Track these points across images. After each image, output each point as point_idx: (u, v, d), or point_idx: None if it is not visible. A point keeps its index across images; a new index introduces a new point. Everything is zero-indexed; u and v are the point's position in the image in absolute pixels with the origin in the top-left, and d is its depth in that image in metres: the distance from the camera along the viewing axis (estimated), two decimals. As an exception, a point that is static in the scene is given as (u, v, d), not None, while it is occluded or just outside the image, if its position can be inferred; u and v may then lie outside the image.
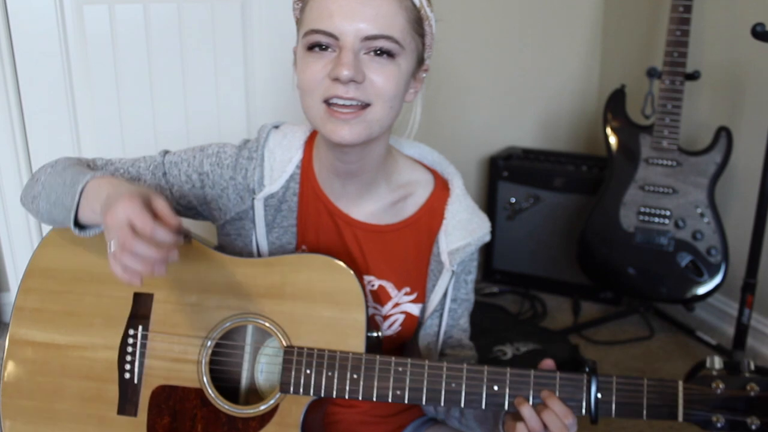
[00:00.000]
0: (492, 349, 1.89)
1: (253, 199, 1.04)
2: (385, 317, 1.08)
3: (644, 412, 0.87)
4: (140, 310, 1.00)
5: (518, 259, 2.50)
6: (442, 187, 1.09)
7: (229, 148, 1.06)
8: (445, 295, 1.08)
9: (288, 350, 0.95)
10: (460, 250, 1.06)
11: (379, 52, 0.90)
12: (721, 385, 0.85)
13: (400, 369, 0.91)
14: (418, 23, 0.95)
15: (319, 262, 0.98)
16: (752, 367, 0.87)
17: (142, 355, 1.00)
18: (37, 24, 1.80)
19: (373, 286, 1.07)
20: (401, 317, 1.08)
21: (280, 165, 1.05)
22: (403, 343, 1.14)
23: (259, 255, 1.06)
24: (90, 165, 1.08)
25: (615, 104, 2.17)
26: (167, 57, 1.93)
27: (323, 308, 0.96)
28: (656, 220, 2.07)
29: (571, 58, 2.71)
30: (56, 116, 1.88)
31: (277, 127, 1.09)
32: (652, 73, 2.09)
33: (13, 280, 2.08)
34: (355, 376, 0.92)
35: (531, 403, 0.88)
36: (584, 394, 0.88)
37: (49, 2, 1.80)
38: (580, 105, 2.76)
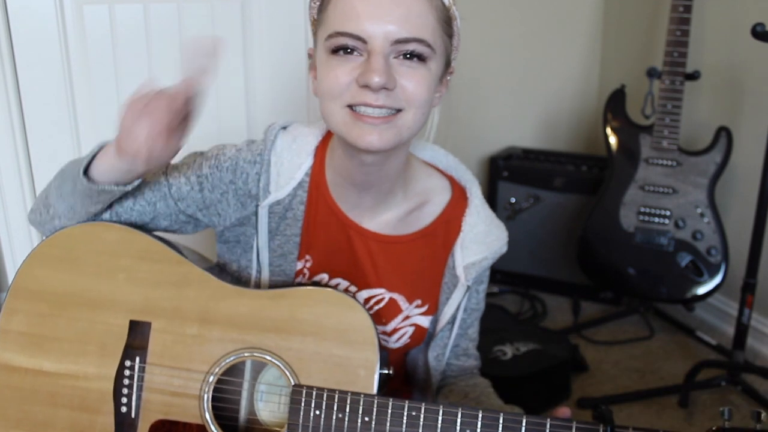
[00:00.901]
0: (492, 349, 1.89)
1: (257, 205, 0.99)
2: (395, 330, 1.05)
3: None
4: (137, 339, 0.96)
5: (518, 259, 2.49)
6: (459, 196, 1.05)
7: (228, 150, 1.01)
8: (458, 308, 1.04)
9: (296, 390, 0.90)
10: (476, 264, 1.02)
11: (409, 55, 0.85)
12: None
13: (414, 413, 0.87)
14: (447, 23, 0.89)
15: (329, 296, 0.93)
16: (762, 418, 0.85)
17: (140, 388, 0.95)
18: (37, 24, 1.80)
19: (383, 299, 1.04)
20: (411, 330, 1.06)
21: (288, 171, 0.99)
22: (408, 351, 1.12)
23: (259, 263, 1.03)
24: None
25: (615, 104, 2.17)
26: (167, 57, 1.93)
27: (333, 346, 0.91)
28: (656, 220, 2.07)
29: (571, 58, 2.71)
30: (56, 116, 1.88)
31: (285, 128, 1.03)
32: (652, 73, 2.09)
33: (13, 280, 2.07)
34: (366, 419, 0.88)
35: None
36: None
37: (49, 2, 1.79)
38: (580, 105, 2.76)
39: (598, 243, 2.15)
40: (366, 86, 0.83)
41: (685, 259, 2.04)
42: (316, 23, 0.92)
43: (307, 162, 1.01)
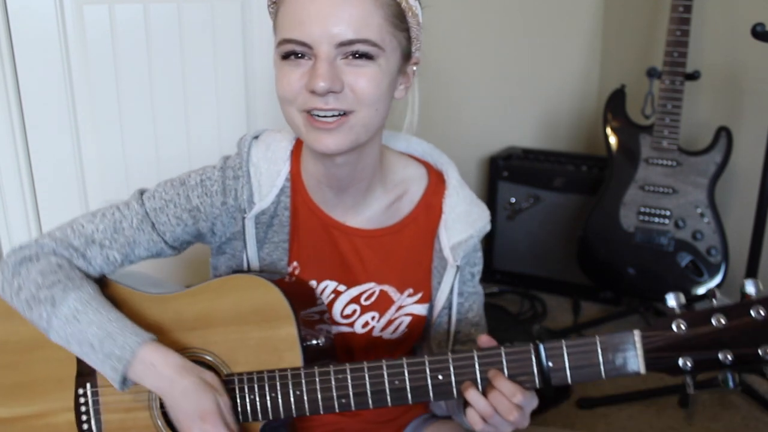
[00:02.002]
0: (492, 349, 1.89)
1: (244, 218, 1.00)
2: (390, 322, 1.06)
3: (602, 371, 0.81)
4: (86, 366, 0.97)
5: (518, 259, 2.50)
6: (437, 181, 1.06)
7: (210, 172, 1.01)
8: (452, 291, 1.05)
9: (228, 379, 0.92)
10: (462, 244, 1.02)
11: (357, 55, 0.86)
12: (683, 324, 0.78)
13: (340, 376, 0.88)
14: (399, 18, 0.89)
15: (242, 281, 0.95)
16: (717, 295, 0.80)
17: (97, 411, 0.99)
18: (37, 24, 1.80)
19: (374, 293, 1.05)
20: (407, 319, 1.06)
21: (268, 179, 1.00)
22: (414, 344, 1.12)
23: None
24: (71, 262, 0.99)
25: (615, 104, 2.17)
26: (167, 57, 1.93)
27: (253, 329, 0.93)
28: (656, 220, 2.07)
29: (571, 58, 2.71)
30: (56, 116, 1.88)
31: (257, 137, 1.04)
32: (652, 73, 2.09)
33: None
34: (297, 392, 0.89)
35: (480, 385, 0.84)
36: (534, 366, 0.83)
37: (49, 2, 1.79)
38: (580, 105, 2.76)
39: (598, 243, 2.15)
40: (313, 92, 0.85)
41: (685, 259, 2.04)
42: (273, 26, 0.93)
43: (285, 167, 1.01)
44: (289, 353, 0.92)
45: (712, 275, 2.02)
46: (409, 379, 0.86)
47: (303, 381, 0.89)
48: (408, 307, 1.06)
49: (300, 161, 1.02)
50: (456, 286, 1.05)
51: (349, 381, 0.88)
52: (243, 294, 0.94)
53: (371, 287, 1.05)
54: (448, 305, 1.06)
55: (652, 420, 1.78)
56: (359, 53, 0.86)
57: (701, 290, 2.03)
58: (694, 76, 2.04)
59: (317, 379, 0.89)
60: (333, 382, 0.88)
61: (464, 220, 1.03)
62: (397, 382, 0.86)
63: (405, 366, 0.86)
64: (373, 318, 1.05)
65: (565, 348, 0.83)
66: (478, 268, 1.09)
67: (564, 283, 2.44)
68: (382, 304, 1.05)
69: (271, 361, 0.92)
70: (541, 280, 2.49)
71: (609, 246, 2.13)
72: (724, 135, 2.01)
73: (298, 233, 1.03)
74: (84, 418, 0.99)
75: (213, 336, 0.95)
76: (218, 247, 1.06)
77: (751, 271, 1.81)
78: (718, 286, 2.02)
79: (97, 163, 1.96)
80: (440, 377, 0.85)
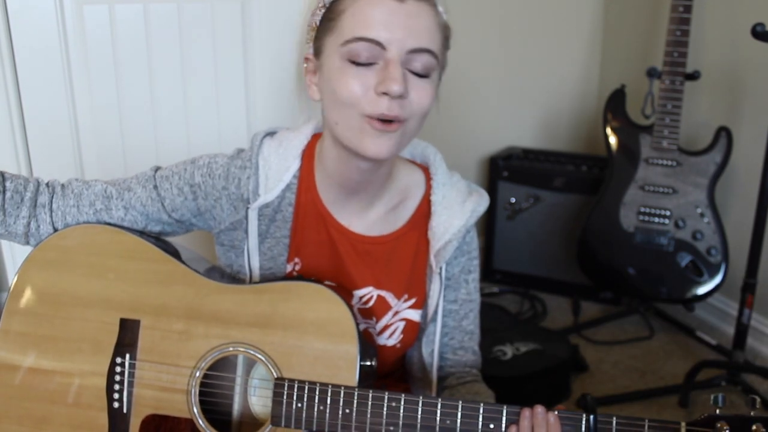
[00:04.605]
0: (492, 349, 1.89)
1: (247, 209, 1.01)
2: (386, 327, 1.06)
3: None
4: (127, 336, 0.99)
5: (518, 259, 2.50)
6: (432, 184, 1.07)
7: (220, 158, 1.04)
8: (439, 296, 1.05)
9: (278, 382, 0.93)
10: (442, 250, 1.03)
11: (417, 71, 0.89)
12: (726, 427, 0.85)
13: (393, 404, 0.89)
14: (447, 39, 0.95)
15: (309, 290, 0.95)
16: (758, 404, 0.85)
17: (131, 384, 0.99)
18: (37, 24, 1.80)
19: (371, 298, 1.05)
20: (402, 324, 1.06)
21: (276, 174, 1.01)
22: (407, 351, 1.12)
23: (250, 267, 1.05)
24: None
25: (615, 104, 2.17)
26: (167, 57, 1.93)
27: (314, 339, 0.94)
28: (656, 220, 2.07)
29: (571, 58, 2.71)
30: (56, 116, 1.88)
31: (271, 134, 1.06)
32: (652, 73, 2.09)
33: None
34: (347, 410, 0.90)
35: None
36: None
37: (49, 2, 1.79)
38: (580, 105, 2.76)
39: (598, 243, 2.15)
40: (385, 93, 0.86)
41: (685, 259, 2.04)
42: (321, 30, 0.93)
43: (295, 164, 1.03)
44: (346, 372, 0.93)
45: (712, 275, 2.02)
46: (461, 422, 0.88)
47: (355, 401, 0.90)
48: (403, 312, 1.07)
49: (312, 160, 1.03)
50: (442, 293, 1.05)
51: (402, 411, 0.89)
52: (309, 303, 0.94)
53: (369, 291, 1.05)
54: (440, 311, 1.06)
55: (652, 420, 1.78)
56: (421, 71, 0.89)
57: (701, 290, 2.03)
58: (694, 76, 2.04)
59: (369, 402, 0.90)
60: (385, 409, 0.89)
61: (444, 226, 1.03)
62: (448, 422, 0.88)
63: (459, 408, 0.88)
64: (369, 323, 1.05)
65: (615, 423, 0.86)
66: (474, 275, 1.10)
67: (564, 283, 2.44)
68: (379, 309, 1.06)
69: (326, 374, 0.93)
70: (541, 280, 2.49)
71: (609, 246, 2.13)
72: (724, 135, 2.01)
73: (301, 231, 1.04)
74: (117, 387, 0.99)
75: (270, 337, 0.95)
76: (217, 234, 1.07)
77: (751, 271, 1.81)
78: (718, 286, 2.02)
79: (97, 162, 1.96)
80: (491, 426, 0.88)
